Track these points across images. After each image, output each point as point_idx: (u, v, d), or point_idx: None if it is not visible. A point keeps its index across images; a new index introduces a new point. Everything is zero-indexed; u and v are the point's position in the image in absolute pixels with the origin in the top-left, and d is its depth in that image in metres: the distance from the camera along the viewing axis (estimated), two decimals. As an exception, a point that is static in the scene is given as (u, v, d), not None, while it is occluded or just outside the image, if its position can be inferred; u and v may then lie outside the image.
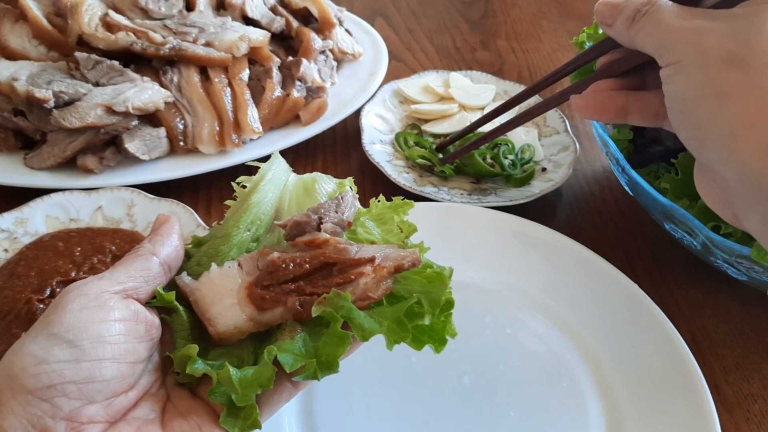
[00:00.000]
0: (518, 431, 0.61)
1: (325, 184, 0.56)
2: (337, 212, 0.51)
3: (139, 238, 0.76)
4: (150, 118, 0.88)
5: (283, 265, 0.46)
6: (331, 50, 1.07)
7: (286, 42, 1.07)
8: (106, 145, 0.85)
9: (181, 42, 0.92)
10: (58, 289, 0.68)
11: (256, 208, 0.52)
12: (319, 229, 0.50)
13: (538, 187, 0.88)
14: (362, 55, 1.13)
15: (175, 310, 0.46)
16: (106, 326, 0.40)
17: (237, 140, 0.88)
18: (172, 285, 0.48)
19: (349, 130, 1.03)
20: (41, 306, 0.65)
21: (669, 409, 0.61)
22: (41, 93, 0.81)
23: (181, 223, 0.76)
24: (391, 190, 0.86)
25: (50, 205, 0.78)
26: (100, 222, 0.78)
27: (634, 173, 0.70)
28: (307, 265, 0.46)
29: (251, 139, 0.91)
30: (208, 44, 0.93)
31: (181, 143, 0.88)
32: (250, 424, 0.41)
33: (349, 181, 0.57)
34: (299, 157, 0.98)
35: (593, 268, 0.73)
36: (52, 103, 0.81)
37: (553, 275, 0.74)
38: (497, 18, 1.43)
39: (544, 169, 0.92)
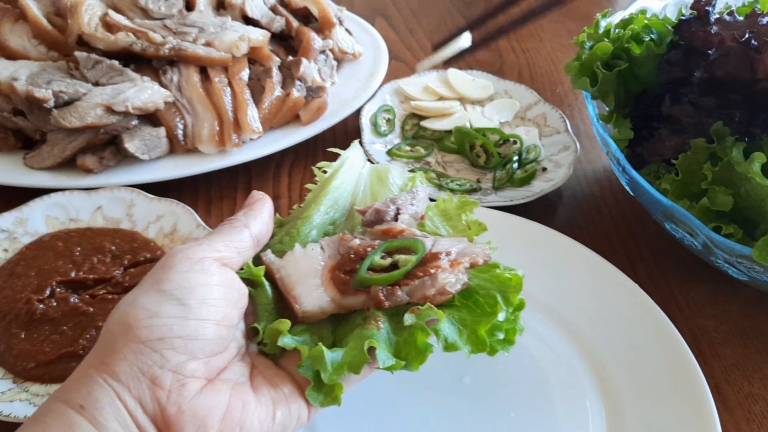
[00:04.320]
0: None
1: (396, 175, 0.58)
2: (412, 204, 0.53)
3: (139, 238, 0.76)
4: (150, 118, 0.88)
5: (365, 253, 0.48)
6: (331, 50, 1.07)
7: (286, 42, 1.07)
8: (105, 145, 0.85)
9: (181, 42, 0.92)
10: (58, 289, 0.68)
11: (335, 193, 0.55)
12: (396, 219, 0.52)
13: (538, 187, 0.88)
14: (362, 54, 1.13)
15: (260, 284, 0.48)
16: (209, 289, 0.43)
17: (237, 140, 0.88)
18: (256, 260, 0.50)
19: (349, 130, 1.03)
20: (41, 306, 0.65)
21: (670, 409, 0.61)
22: (41, 93, 0.81)
23: (181, 223, 0.76)
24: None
25: (50, 204, 0.77)
26: (99, 222, 0.78)
27: (635, 173, 0.70)
28: (390, 258, 0.48)
29: (251, 139, 0.91)
30: (208, 44, 0.93)
31: (182, 143, 0.88)
32: (331, 400, 0.44)
33: (420, 175, 0.59)
34: (299, 157, 0.98)
35: (594, 268, 0.73)
36: (51, 103, 0.81)
37: (553, 275, 0.74)
38: (497, 17, 1.43)
39: (544, 169, 0.92)
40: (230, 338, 0.45)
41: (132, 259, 0.73)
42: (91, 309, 0.66)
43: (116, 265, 0.72)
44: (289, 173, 0.95)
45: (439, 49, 0.48)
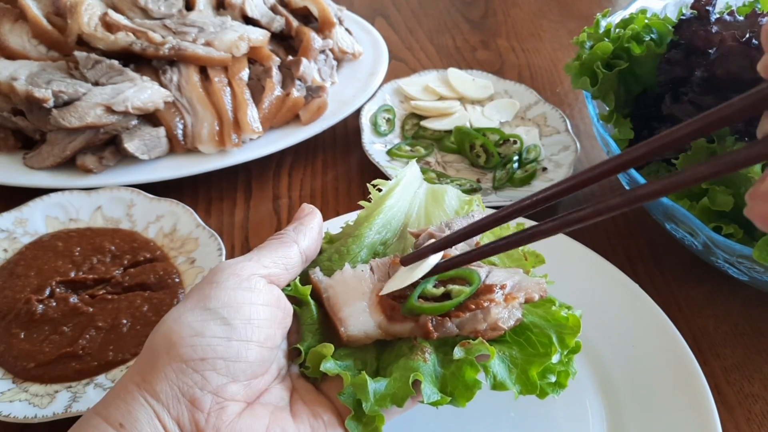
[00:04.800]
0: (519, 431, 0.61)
1: (453, 197, 0.57)
2: None
3: (139, 238, 0.76)
4: (150, 118, 0.88)
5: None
6: (331, 50, 1.06)
7: (286, 41, 1.07)
8: (105, 145, 0.85)
9: (181, 42, 0.92)
10: (57, 289, 0.68)
11: (389, 212, 0.53)
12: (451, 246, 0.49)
13: (538, 187, 0.88)
14: (362, 54, 1.13)
15: (305, 302, 0.47)
16: (255, 309, 0.42)
17: (237, 140, 0.88)
18: (303, 276, 0.49)
19: (349, 129, 1.03)
20: (41, 306, 0.65)
21: (670, 408, 0.61)
22: (41, 92, 0.81)
23: (181, 223, 0.76)
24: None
25: (50, 204, 0.77)
26: (99, 222, 0.78)
27: (635, 173, 0.70)
28: (443, 287, 0.46)
29: (251, 139, 0.91)
30: (207, 44, 0.93)
31: (181, 143, 0.88)
32: (371, 431, 0.42)
33: (477, 199, 0.57)
34: (299, 157, 0.98)
35: (594, 267, 0.73)
36: (51, 103, 0.81)
37: (553, 275, 0.74)
38: (497, 17, 1.43)
39: (544, 169, 0.92)
40: (272, 360, 0.44)
41: (132, 259, 0.73)
42: (91, 309, 0.66)
43: (116, 265, 0.72)
44: (289, 173, 0.95)
45: (409, 263, 0.48)
